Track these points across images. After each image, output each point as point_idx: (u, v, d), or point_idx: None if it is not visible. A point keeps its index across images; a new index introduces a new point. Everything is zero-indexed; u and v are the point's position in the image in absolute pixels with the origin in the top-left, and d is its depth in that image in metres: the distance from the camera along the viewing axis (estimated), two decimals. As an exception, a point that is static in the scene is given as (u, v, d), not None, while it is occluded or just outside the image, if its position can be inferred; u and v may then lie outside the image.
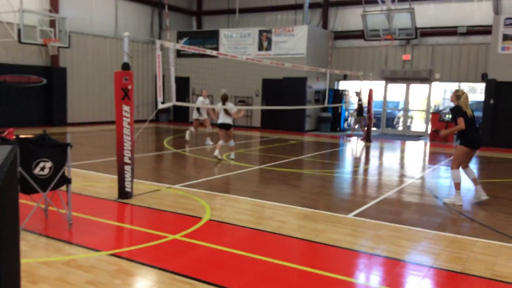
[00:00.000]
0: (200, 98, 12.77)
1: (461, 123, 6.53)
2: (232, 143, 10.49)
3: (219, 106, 10.13)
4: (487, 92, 15.14)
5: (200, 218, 5.59)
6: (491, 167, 11.37)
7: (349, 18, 19.64)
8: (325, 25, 20.18)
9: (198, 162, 10.32)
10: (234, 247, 4.60)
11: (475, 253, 4.67)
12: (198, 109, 13.22)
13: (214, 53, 8.26)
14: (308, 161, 11.18)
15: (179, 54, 19.72)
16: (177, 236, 4.87)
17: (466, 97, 6.67)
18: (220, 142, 10.34)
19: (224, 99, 10.13)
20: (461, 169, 6.91)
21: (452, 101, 6.87)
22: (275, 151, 12.59)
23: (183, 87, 20.50)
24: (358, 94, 16.55)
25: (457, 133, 6.80)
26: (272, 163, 10.18)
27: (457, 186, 6.82)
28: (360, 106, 16.39)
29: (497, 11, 16.00)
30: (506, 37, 14.67)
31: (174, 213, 5.83)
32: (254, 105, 19.38)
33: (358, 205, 6.58)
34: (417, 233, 5.35)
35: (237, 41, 19.98)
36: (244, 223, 5.45)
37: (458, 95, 6.71)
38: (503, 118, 14.93)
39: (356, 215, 6.03)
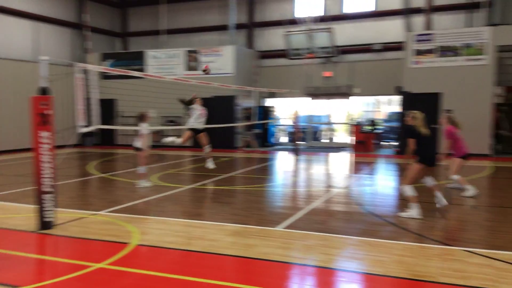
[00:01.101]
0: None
1: (410, 144, 6.73)
2: (140, 169, 9.54)
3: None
4: (402, 103, 16.24)
5: (128, 243, 5.43)
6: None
7: (273, 38, 20.30)
8: (250, 45, 20.69)
9: (126, 186, 10.01)
10: (164, 270, 4.52)
11: (395, 256, 4.95)
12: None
13: (139, 74, 8.15)
14: (240, 177, 11.28)
15: (105, 76, 19.17)
16: (103, 265, 4.69)
17: (422, 118, 6.81)
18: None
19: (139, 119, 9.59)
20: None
21: (408, 123, 6.93)
22: (207, 169, 12.56)
23: (109, 109, 19.91)
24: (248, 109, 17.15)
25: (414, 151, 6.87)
26: (203, 182, 10.15)
27: (413, 199, 6.77)
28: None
29: (408, 28, 17.33)
30: (416, 52, 15.90)
31: (99, 241, 5.61)
32: (184, 125, 19.21)
33: (287, 217, 6.74)
34: (343, 240, 5.58)
35: (164, 62, 19.88)
36: (174, 245, 5.37)
37: (414, 117, 6.82)
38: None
39: (286, 227, 6.18)
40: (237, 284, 4.19)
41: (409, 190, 6.81)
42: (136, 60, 20.38)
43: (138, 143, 9.54)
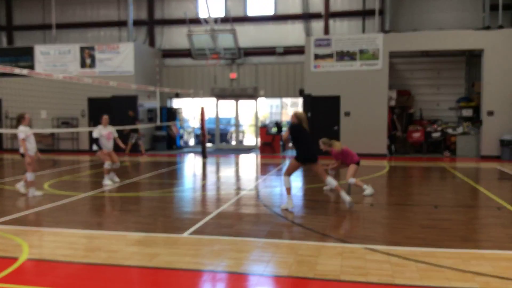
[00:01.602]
0: (99, 127, 10.51)
1: (285, 136, 7.65)
2: (28, 176, 8.71)
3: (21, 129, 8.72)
4: (304, 106, 16.86)
5: (16, 258, 4.86)
6: (311, 173, 12.55)
7: (176, 37, 19.88)
8: (152, 43, 20.05)
9: (14, 195, 9.03)
10: (58, 286, 4.10)
11: (299, 256, 5.01)
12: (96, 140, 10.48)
13: (24, 71, 7.38)
14: (144, 183, 10.79)
15: (-13, 73, 17.28)
16: (-17, 286, 4.12)
17: (305, 117, 7.61)
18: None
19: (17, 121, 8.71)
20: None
21: (292, 121, 7.58)
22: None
23: (-6, 110, 18.01)
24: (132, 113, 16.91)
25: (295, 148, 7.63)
26: (103, 189, 9.52)
27: (288, 191, 7.44)
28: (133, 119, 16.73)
29: (308, 33, 18.02)
30: (316, 56, 16.60)
31: (-21, 259, 4.95)
32: (80, 127, 18.07)
33: (194, 222, 6.55)
34: (249, 243, 5.54)
35: (56, 58, 18.47)
36: (69, 258, 4.90)
37: (297, 116, 7.54)
38: (319, 129, 16.76)
39: (192, 233, 5.98)
40: (139, 298, 3.92)
41: (286, 181, 7.45)
42: (24, 55, 18.69)
43: (20, 148, 8.64)
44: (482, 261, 4.81)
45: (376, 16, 16.75)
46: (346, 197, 7.26)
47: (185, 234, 5.90)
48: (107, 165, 10.05)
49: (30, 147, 8.69)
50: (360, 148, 16.20)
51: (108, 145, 10.31)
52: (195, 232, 6.01)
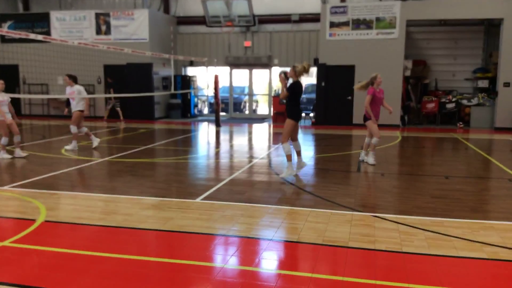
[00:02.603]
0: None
1: (284, 95, 7.36)
2: (16, 138, 9.18)
3: None
4: (319, 75, 16.70)
5: (34, 220, 5.06)
6: (324, 143, 12.62)
7: (191, 3, 19.63)
8: (166, 10, 19.85)
9: (33, 159, 9.30)
10: (75, 247, 4.27)
11: (309, 222, 5.12)
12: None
13: (39, 37, 7.45)
14: (159, 149, 10.97)
15: (4, 39, 17.43)
16: (6, 243, 4.32)
17: (301, 71, 7.26)
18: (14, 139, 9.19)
19: None
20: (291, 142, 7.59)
21: (290, 76, 7.35)
22: (123, 141, 12.07)
23: (11, 76, 18.22)
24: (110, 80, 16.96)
25: (286, 107, 7.59)
26: (120, 154, 9.72)
27: (289, 157, 7.45)
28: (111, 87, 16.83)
29: (324, 0, 17.64)
30: (332, 25, 16.31)
31: (1, 218, 5.16)
32: (97, 93, 18.23)
33: (207, 188, 6.69)
34: (260, 209, 5.66)
35: (71, 25, 18.46)
36: (85, 221, 5.09)
37: (297, 71, 7.26)
38: (333, 99, 16.67)
39: (204, 198, 6.13)
40: (150, 257, 4.09)
41: (286, 148, 7.40)
42: (39, 22, 18.71)
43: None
44: (491, 232, 4.86)
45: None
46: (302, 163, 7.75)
47: (198, 200, 6.05)
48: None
49: (6, 111, 8.81)
50: (373, 119, 16.15)
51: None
52: (208, 198, 6.15)
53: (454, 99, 16.40)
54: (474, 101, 16.22)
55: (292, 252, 4.41)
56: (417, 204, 5.98)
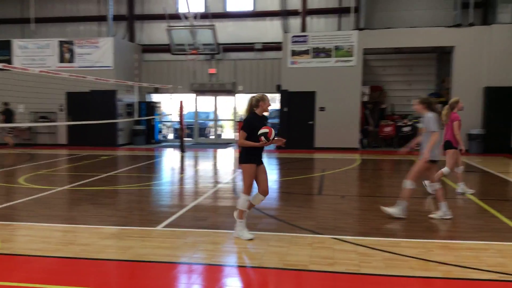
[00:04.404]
0: None
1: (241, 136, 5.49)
2: None
3: None
4: (282, 101, 17.05)
5: (-13, 254, 4.88)
6: (287, 166, 12.79)
7: (156, 32, 19.78)
8: (132, 38, 19.90)
9: (-12, 190, 8.98)
10: (29, 280, 4.15)
11: (271, 247, 5.17)
12: None
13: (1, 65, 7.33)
14: (121, 176, 10.81)
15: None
16: (-46, 280, 4.15)
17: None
18: None
19: None
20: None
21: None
22: (84, 168, 11.84)
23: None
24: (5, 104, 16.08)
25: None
26: (79, 182, 9.52)
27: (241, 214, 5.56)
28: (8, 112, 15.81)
29: (285, 29, 18.16)
30: (294, 53, 16.78)
31: (-49, 253, 4.95)
32: (58, 121, 17.87)
33: (169, 215, 6.64)
34: (223, 235, 5.67)
35: (34, 53, 18.22)
36: (40, 253, 4.95)
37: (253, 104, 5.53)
38: (295, 123, 17.00)
39: (166, 226, 6.08)
40: (111, 289, 4.02)
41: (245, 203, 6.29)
42: (1, 49, 18.36)
43: None
44: (445, 251, 5.04)
45: (352, 13, 17.01)
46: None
47: (159, 227, 5.99)
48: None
49: None
50: (333, 142, 16.57)
51: None
52: (170, 225, 6.11)
53: (410, 123, 17.12)
54: (429, 124, 16.92)
55: (254, 277, 4.44)
56: (376, 225, 6.15)
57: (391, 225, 6.17)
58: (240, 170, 5.86)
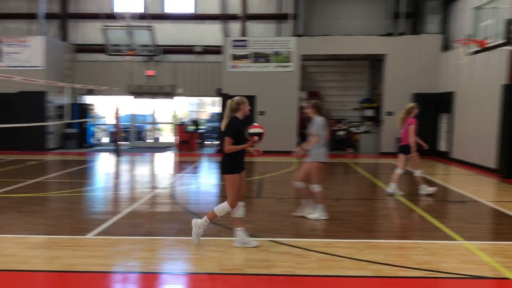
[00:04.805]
0: None
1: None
2: None
3: None
4: (223, 105, 17.01)
5: None
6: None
7: (91, 31, 19.03)
8: (64, 37, 19.01)
9: None
10: None
11: (208, 252, 5.11)
12: None
13: None
14: (51, 183, 10.24)
15: None
16: None
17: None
18: None
19: None
20: None
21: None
22: (10, 175, 11.10)
23: None
24: None
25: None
26: (4, 189, 8.90)
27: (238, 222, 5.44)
28: None
29: (226, 33, 18.18)
30: (234, 57, 16.84)
31: None
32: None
33: (100, 223, 6.36)
34: (158, 241, 5.53)
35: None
36: (-43, 266, 4.57)
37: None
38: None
39: (98, 233, 5.83)
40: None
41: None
42: None
43: None
44: (376, 250, 5.24)
45: (290, 20, 17.38)
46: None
47: (90, 236, 5.73)
48: None
49: None
50: (271, 146, 16.76)
51: None
52: (102, 233, 5.86)
53: (344, 127, 17.81)
54: (362, 128, 17.76)
55: (191, 283, 4.36)
56: (311, 227, 6.28)
57: (325, 226, 6.33)
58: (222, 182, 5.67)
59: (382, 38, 16.70)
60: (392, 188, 8.69)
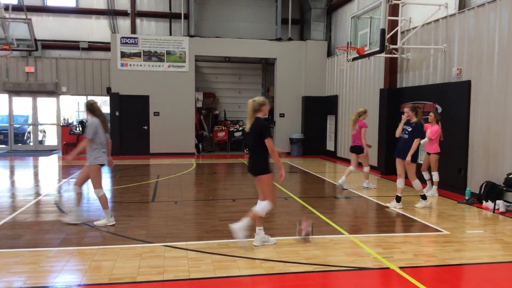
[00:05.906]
0: None
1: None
2: None
3: None
4: (112, 104, 16.23)
5: None
6: (118, 174, 12.19)
7: (-44, 20, 16.82)
8: None
9: None
10: None
11: (95, 262, 4.81)
12: None
13: None
14: None
15: None
16: None
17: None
18: None
19: None
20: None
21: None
22: None
23: None
24: None
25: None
26: None
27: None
28: None
29: (113, 30, 17.36)
30: (124, 55, 16.13)
31: None
32: None
33: (-30, 237, 5.66)
34: (40, 253, 5.07)
35: None
36: None
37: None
38: (128, 128, 16.36)
39: (-34, 250, 5.16)
40: None
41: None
42: None
43: None
44: (268, 248, 5.39)
45: (182, 20, 17.18)
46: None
47: (-43, 252, 5.06)
48: None
49: None
50: (169, 148, 16.49)
51: None
52: (-28, 248, 5.21)
53: (241, 128, 18.09)
54: (258, 130, 18.17)
55: (75, 297, 4.06)
56: (206, 229, 6.26)
57: (221, 227, 6.35)
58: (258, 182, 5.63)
59: (272, 42, 17.28)
60: (342, 180, 9.60)
